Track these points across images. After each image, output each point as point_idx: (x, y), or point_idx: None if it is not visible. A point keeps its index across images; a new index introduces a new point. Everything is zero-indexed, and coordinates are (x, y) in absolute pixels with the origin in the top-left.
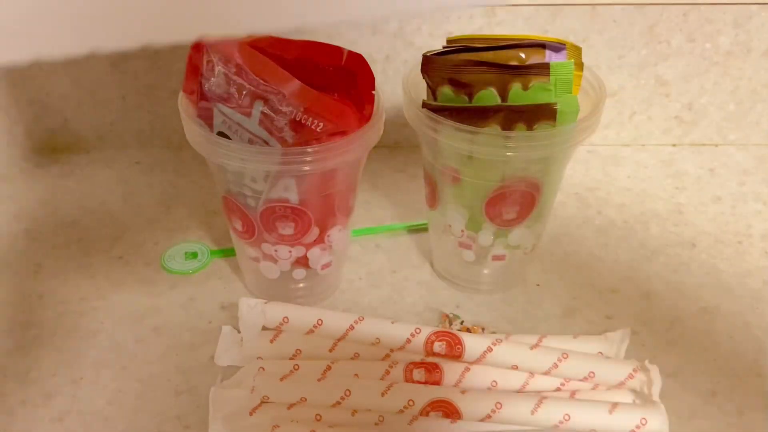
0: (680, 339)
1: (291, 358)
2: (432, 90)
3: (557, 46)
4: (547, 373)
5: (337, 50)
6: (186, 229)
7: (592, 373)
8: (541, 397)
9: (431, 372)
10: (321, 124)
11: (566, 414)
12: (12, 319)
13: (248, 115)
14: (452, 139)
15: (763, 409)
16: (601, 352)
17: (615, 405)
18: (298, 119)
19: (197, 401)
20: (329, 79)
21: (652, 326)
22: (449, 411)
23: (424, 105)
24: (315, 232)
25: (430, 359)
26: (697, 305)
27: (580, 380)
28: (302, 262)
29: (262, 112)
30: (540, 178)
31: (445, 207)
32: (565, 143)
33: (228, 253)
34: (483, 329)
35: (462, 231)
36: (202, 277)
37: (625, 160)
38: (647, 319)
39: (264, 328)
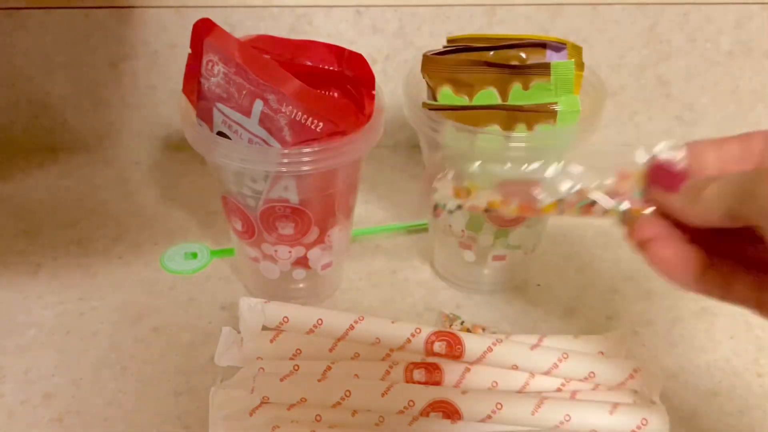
0: (680, 339)
1: (291, 358)
2: (432, 90)
3: (558, 46)
4: (547, 373)
5: (337, 50)
6: (186, 229)
7: (593, 373)
8: (541, 397)
9: (431, 372)
10: (321, 124)
11: (567, 414)
12: (12, 319)
13: (248, 114)
14: (452, 139)
15: (764, 409)
16: (601, 352)
17: (615, 405)
18: (298, 119)
19: (197, 402)
20: (329, 79)
21: (653, 326)
22: (449, 411)
23: (424, 105)
24: (315, 232)
25: (431, 359)
26: (697, 305)
27: (581, 380)
28: (302, 262)
29: (262, 112)
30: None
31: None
32: (566, 143)
33: (228, 253)
34: (483, 329)
35: (462, 231)
36: (202, 277)
37: None
38: (648, 319)
39: (264, 328)
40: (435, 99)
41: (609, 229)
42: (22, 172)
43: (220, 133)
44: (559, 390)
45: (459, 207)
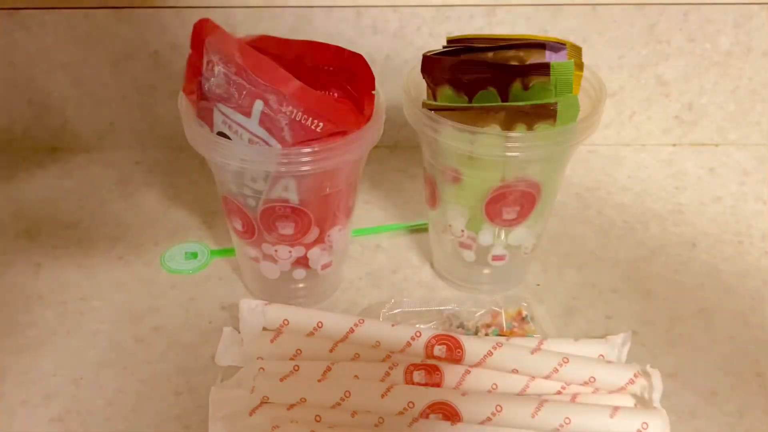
0: (680, 339)
1: (291, 359)
2: (432, 90)
3: (557, 46)
4: (547, 377)
5: (337, 50)
6: (186, 229)
7: (593, 377)
8: (541, 400)
9: (431, 374)
10: (321, 124)
11: (567, 417)
12: (12, 319)
13: (248, 115)
14: (452, 139)
15: (764, 409)
16: (602, 355)
17: (616, 409)
18: (298, 119)
19: (197, 401)
20: (329, 79)
21: (652, 326)
22: (449, 413)
23: (424, 105)
24: (315, 232)
25: (431, 361)
26: (697, 305)
27: (581, 385)
28: (302, 262)
29: (262, 112)
30: (540, 178)
31: (446, 207)
32: (566, 143)
33: (228, 253)
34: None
35: (462, 231)
36: (202, 277)
37: (626, 160)
38: (647, 319)
39: (264, 329)
40: (435, 99)
41: (609, 228)
42: (23, 172)
43: (221, 133)
44: (559, 393)
45: None
